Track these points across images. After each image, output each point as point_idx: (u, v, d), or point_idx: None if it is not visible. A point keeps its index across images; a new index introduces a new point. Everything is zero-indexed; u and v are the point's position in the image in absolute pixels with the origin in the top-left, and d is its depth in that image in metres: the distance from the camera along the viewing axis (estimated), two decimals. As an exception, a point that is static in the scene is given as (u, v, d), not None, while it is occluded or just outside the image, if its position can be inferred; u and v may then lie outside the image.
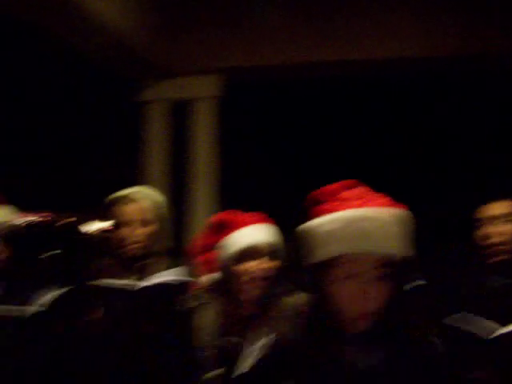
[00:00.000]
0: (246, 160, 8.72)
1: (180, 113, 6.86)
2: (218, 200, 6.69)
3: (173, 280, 2.78)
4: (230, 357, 2.44)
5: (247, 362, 2.35)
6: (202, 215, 6.45)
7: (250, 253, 2.65)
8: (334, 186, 1.77)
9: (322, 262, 1.68)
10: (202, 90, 6.73)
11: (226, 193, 6.68)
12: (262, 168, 9.42)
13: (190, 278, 3.03)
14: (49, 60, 7.62)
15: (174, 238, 6.66)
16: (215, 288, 2.77)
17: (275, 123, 9.17)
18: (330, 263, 1.67)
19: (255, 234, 2.68)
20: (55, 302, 2.54)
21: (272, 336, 2.49)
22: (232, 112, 6.91)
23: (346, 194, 1.73)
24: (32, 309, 2.51)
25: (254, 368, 2.29)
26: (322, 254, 1.68)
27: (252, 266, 2.63)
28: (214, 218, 2.87)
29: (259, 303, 2.67)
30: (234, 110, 7.06)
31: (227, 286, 2.71)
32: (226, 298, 2.71)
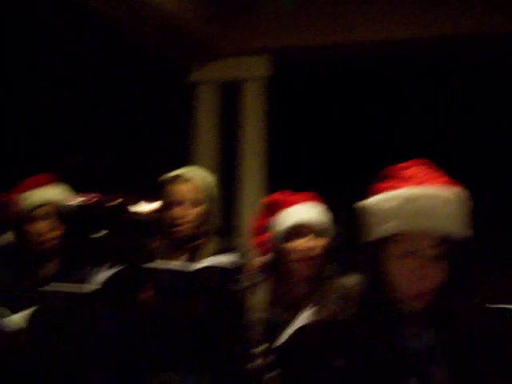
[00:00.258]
0: (295, 140, 8.71)
1: (229, 94, 6.87)
2: (267, 180, 6.69)
3: (226, 262, 2.78)
4: (277, 332, 2.48)
5: (286, 333, 2.39)
6: (251, 195, 6.48)
7: (296, 231, 2.65)
8: (396, 164, 1.76)
9: (379, 240, 1.68)
10: (251, 70, 6.73)
11: (274, 173, 6.69)
12: (312, 148, 9.38)
13: (243, 260, 3.03)
14: (101, 44, 7.70)
15: (223, 219, 6.73)
16: (267, 268, 2.78)
17: (324, 103, 9.11)
18: (388, 241, 1.66)
19: (301, 212, 2.68)
20: (108, 281, 2.56)
21: (316, 310, 2.52)
22: (281, 92, 6.88)
23: (406, 172, 1.72)
24: (87, 286, 2.54)
25: (291, 339, 2.35)
26: (380, 231, 1.67)
27: (299, 244, 2.64)
28: (267, 199, 2.88)
29: (310, 283, 2.67)
30: (284, 90, 7.03)
31: (278, 265, 2.72)
32: (278, 278, 2.72)
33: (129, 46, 6.94)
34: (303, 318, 2.42)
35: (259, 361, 2.59)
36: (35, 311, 2.55)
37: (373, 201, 1.71)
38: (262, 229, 2.80)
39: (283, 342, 2.37)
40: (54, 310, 2.55)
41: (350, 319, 1.82)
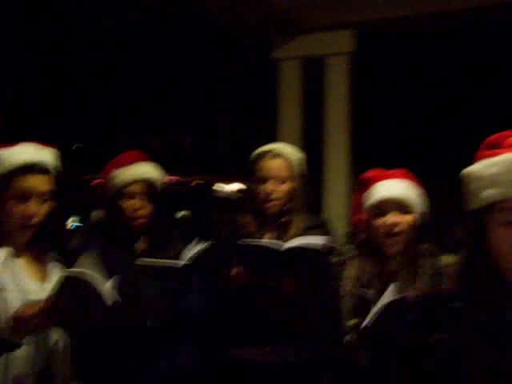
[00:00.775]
0: (379, 116, 8.58)
1: (313, 69, 6.82)
2: (351, 157, 6.63)
3: (317, 241, 2.75)
4: (367, 308, 2.46)
5: (373, 311, 2.36)
6: (336, 172, 6.44)
7: (380, 207, 2.61)
8: (500, 133, 1.70)
9: (482, 208, 1.63)
10: (335, 45, 6.65)
11: (359, 150, 6.61)
12: (397, 124, 9.22)
13: (332, 238, 3.00)
14: (186, 22, 7.78)
15: (306, 196, 6.71)
16: (359, 244, 2.76)
17: (409, 77, 8.92)
18: (491, 209, 1.61)
19: (385, 188, 2.64)
20: (197, 257, 2.57)
21: (404, 286, 2.47)
22: (365, 67, 6.78)
23: (509, 140, 1.67)
24: (177, 262, 2.56)
25: (379, 315, 2.31)
26: (484, 198, 1.62)
27: (384, 219, 2.60)
28: (361, 176, 2.85)
29: (400, 259, 2.63)
30: (367, 64, 6.92)
31: (368, 241, 2.69)
32: (368, 254, 2.69)
33: (213, 22, 6.98)
34: (389, 294, 2.39)
35: (350, 336, 2.56)
36: (124, 284, 2.60)
37: (475, 167, 1.67)
38: (357, 206, 2.78)
39: (371, 320, 2.35)
40: (145, 284, 2.56)
41: (448, 294, 1.80)
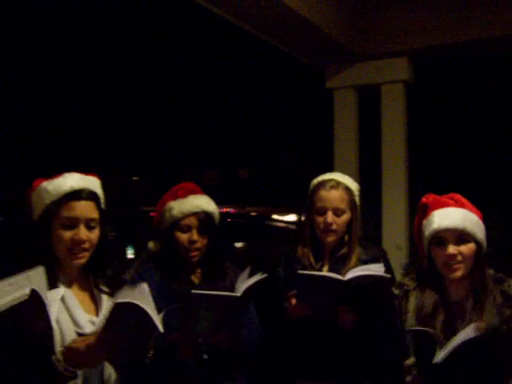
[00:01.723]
0: (436, 143, 8.48)
1: (369, 98, 6.80)
2: (409, 185, 6.55)
3: (378, 272, 2.71)
4: (427, 346, 2.41)
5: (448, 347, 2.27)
6: (393, 200, 6.37)
7: (438, 237, 2.57)
8: None
9: None
10: (390, 73, 6.62)
11: (415, 177, 6.54)
12: (453, 152, 9.10)
13: (389, 269, 2.97)
14: (243, 55, 7.88)
15: (364, 226, 6.64)
16: (420, 275, 2.70)
17: (467, 104, 8.80)
18: None
19: (442, 218, 2.59)
20: (252, 288, 2.55)
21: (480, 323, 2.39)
22: (421, 94, 6.72)
23: None
24: (232, 293, 2.54)
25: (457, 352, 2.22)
26: None
27: (445, 250, 2.54)
28: (421, 201, 2.79)
29: (463, 290, 2.59)
30: (423, 92, 6.86)
31: (430, 270, 2.63)
32: (429, 285, 2.62)
33: (269, 54, 7.06)
34: (468, 331, 2.31)
35: (410, 376, 2.51)
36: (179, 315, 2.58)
37: None
38: (418, 233, 2.75)
39: (447, 357, 2.30)
40: (200, 315, 2.53)
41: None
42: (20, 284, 1.89)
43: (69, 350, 2.06)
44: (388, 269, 2.98)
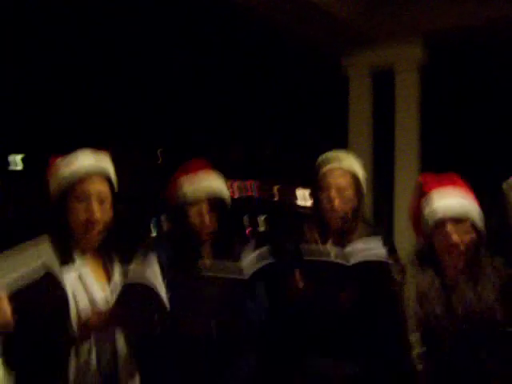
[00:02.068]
0: (449, 126, 8.46)
1: (383, 80, 6.84)
2: (421, 167, 6.62)
3: (381, 255, 2.81)
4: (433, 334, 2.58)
5: None
6: (406, 181, 6.42)
7: (441, 224, 2.66)
8: None
9: None
10: (405, 57, 6.67)
11: (428, 160, 6.58)
12: (466, 135, 9.06)
13: (394, 251, 3.07)
14: (257, 37, 7.95)
15: (377, 206, 6.75)
16: (419, 256, 2.80)
17: (483, 88, 8.76)
18: None
19: (447, 205, 2.68)
20: (261, 268, 2.69)
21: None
22: (435, 77, 6.74)
23: None
24: (241, 273, 2.67)
25: None
26: None
27: (445, 237, 2.65)
28: (418, 181, 2.90)
29: (461, 272, 2.69)
30: (437, 74, 6.87)
31: (429, 255, 2.75)
32: (428, 268, 2.74)
33: (284, 36, 7.11)
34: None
35: (419, 365, 2.64)
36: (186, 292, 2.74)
37: None
38: (415, 211, 2.83)
39: None
40: (208, 294, 2.68)
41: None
42: (30, 254, 2.06)
43: (83, 324, 2.25)
44: (392, 252, 3.10)
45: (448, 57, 7.25)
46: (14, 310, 2.00)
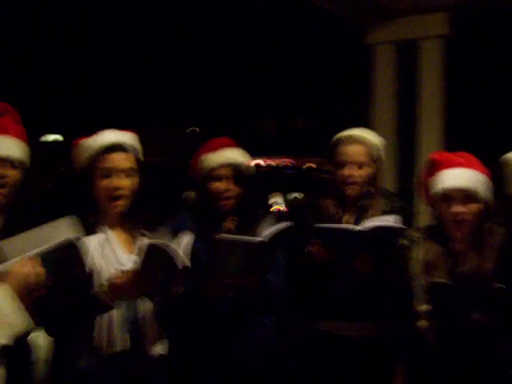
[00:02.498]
0: (473, 99, 8.40)
1: (407, 53, 6.84)
2: (445, 140, 6.61)
3: (390, 222, 2.90)
4: (436, 295, 2.66)
5: None
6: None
7: (448, 196, 2.71)
8: None
9: None
10: (429, 29, 6.64)
11: (452, 133, 6.58)
12: (490, 108, 8.99)
13: (407, 220, 3.12)
14: (288, 14, 7.99)
15: (400, 179, 6.79)
16: (428, 228, 2.87)
17: (508, 60, 8.65)
18: None
19: (454, 177, 2.72)
20: (278, 234, 2.76)
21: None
22: (460, 51, 6.70)
23: None
24: (258, 239, 2.72)
25: None
26: None
27: (451, 208, 2.69)
28: (429, 157, 2.94)
29: (467, 244, 2.74)
30: (462, 48, 6.83)
31: (436, 225, 2.81)
32: (436, 238, 2.79)
33: (311, 11, 7.15)
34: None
35: (422, 321, 2.71)
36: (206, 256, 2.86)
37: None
38: (425, 185, 2.88)
39: None
40: (226, 258, 2.79)
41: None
42: (56, 231, 2.20)
43: (111, 284, 2.39)
44: (398, 218, 3.19)
45: (473, 28, 7.18)
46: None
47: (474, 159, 2.82)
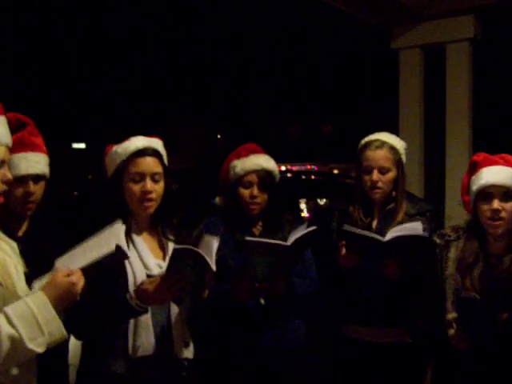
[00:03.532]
0: (500, 103, 8.33)
1: (434, 57, 6.80)
2: (472, 144, 6.56)
3: (417, 229, 2.88)
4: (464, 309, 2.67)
5: None
6: (456, 158, 6.40)
7: (484, 193, 2.72)
8: None
9: None
10: (456, 32, 6.58)
11: (479, 137, 6.53)
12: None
13: (438, 224, 3.17)
14: (314, 17, 8.02)
15: (428, 182, 6.75)
16: (466, 228, 2.86)
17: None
18: None
19: (490, 175, 2.74)
20: (302, 238, 2.77)
21: None
22: (487, 54, 6.64)
23: None
24: (285, 243, 2.72)
25: None
26: None
27: (487, 205, 2.71)
28: (471, 159, 2.95)
29: (505, 242, 2.74)
30: (490, 51, 6.78)
31: (475, 223, 2.81)
32: (473, 237, 2.80)
33: (336, 14, 7.15)
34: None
35: (452, 329, 2.73)
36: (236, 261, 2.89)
37: None
38: (465, 188, 2.90)
39: None
40: (254, 261, 2.78)
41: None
42: (105, 239, 2.23)
43: (139, 290, 2.41)
44: (435, 223, 3.18)
45: (500, 30, 7.12)
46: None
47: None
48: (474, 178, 2.80)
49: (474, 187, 2.76)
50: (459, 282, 2.74)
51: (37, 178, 2.77)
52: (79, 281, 2.10)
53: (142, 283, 2.45)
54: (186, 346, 2.65)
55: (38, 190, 2.77)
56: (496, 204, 2.68)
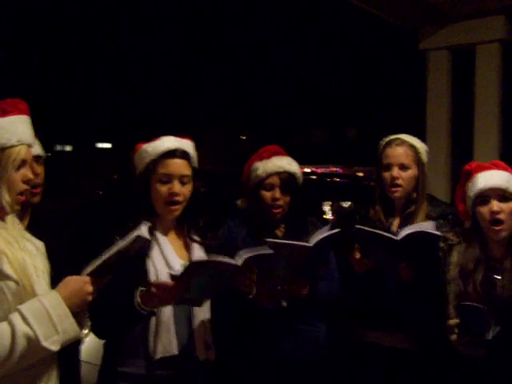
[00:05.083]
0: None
1: (462, 58, 6.74)
2: (501, 144, 6.48)
3: (426, 229, 2.82)
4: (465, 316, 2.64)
5: None
6: (484, 160, 6.32)
7: (481, 196, 2.73)
8: None
9: None
10: (485, 33, 6.50)
11: (509, 139, 6.46)
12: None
13: (446, 224, 3.11)
14: (336, 17, 8.00)
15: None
16: (467, 233, 2.86)
17: None
18: None
19: (486, 178, 2.75)
20: (321, 241, 2.71)
21: None
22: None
23: None
24: (307, 244, 2.68)
25: None
26: None
27: (483, 208, 2.72)
28: (463, 168, 2.94)
29: (504, 246, 2.74)
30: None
31: (474, 228, 2.81)
32: (473, 241, 2.79)
33: (364, 15, 7.11)
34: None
35: (453, 335, 2.70)
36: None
37: None
38: (459, 198, 2.91)
39: None
40: (276, 262, 2.73)
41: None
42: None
43: (146, 292, 2.36)
44: (435, 222, 3.05)
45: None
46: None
47: (504, 164, 2.88)
48: (469, 184, 2.80)
49: (472, 193, 2.77)
50: (461, 287, 2.74)
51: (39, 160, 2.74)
52: (84, 285, 2.09)
53: (155, 281, 2.42)
54: (208, 347, 2.61)
55: (41, 172, 2.75)
56: (494, 205, 2.70)
